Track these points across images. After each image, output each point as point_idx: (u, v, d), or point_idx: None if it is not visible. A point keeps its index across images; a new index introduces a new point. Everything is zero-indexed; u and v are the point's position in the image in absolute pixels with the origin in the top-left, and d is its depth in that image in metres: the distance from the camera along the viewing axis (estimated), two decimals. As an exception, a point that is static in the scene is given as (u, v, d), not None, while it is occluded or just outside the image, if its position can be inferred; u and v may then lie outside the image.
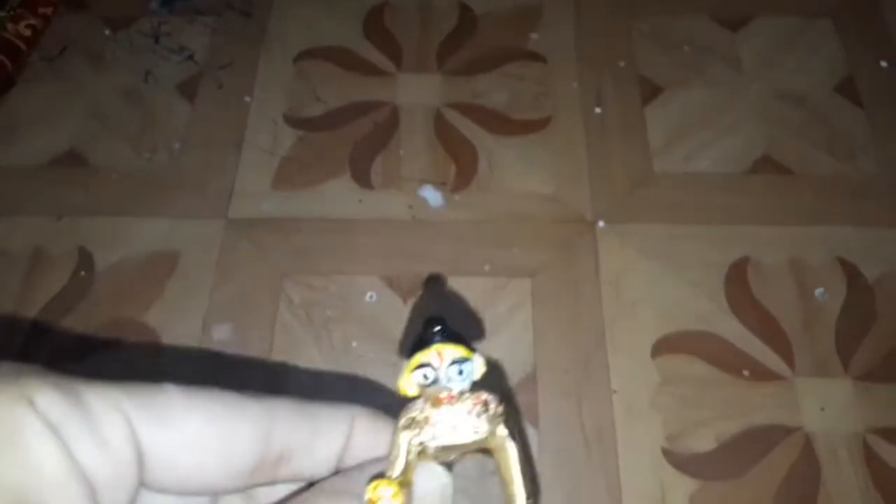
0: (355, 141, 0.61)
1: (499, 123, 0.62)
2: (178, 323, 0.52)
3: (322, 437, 0.18)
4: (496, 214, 0.57)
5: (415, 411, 0.17)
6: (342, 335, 0.51)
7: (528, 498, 0.17)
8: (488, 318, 0.52)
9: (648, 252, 0.54)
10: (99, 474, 0.14)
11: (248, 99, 0.63)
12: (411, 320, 0.52)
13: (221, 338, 0.51)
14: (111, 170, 0.60)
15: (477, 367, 0.17)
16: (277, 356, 0.50)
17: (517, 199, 0.58)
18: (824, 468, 0.46)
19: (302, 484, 0.18)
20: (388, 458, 0.17)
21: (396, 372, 0.44)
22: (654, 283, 0.53)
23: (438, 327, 0.17)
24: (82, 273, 0.55)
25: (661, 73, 0.64)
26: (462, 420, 0.17)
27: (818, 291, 0.52)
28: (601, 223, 0.55)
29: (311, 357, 0.50)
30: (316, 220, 0.57)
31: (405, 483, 0.17)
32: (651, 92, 0.63)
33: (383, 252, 0.55)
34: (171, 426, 0.15)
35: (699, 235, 0.55)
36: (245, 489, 0.17)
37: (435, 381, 0.17)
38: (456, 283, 0.54)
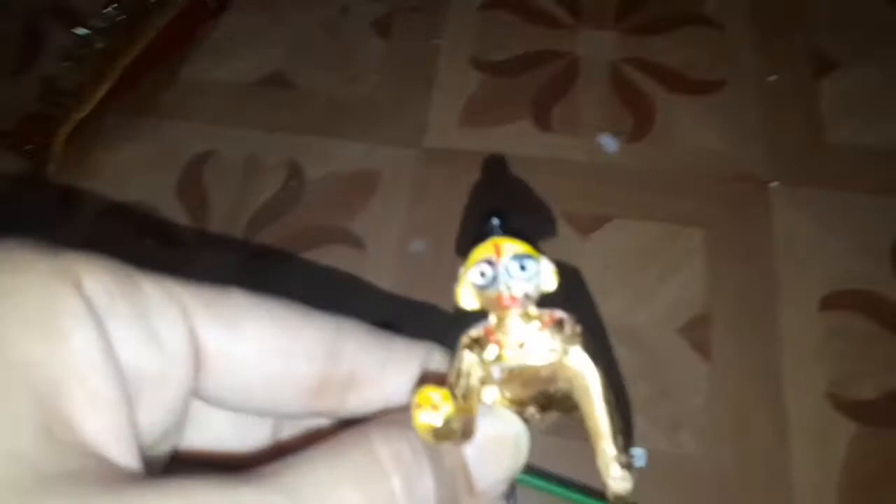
0: (536, 88, 0.65)
1: (674, 82, 0.65)
2: (380, 233, 0.58)
3: (394, 366, 0.16)
4: (670, 166, 0.60)
5: (476, 328, 0.15)
6: (526, 260, 0.56)
7: (615, 434, 0.15)
8: (660, 261, 0.56)
9: (819, 215, 0.57)
10: (143, 369, 0.13)
11: (437, 41, 0.68)
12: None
13: (418, 250, 0.57)
14: (314, 94, 0.66)
15: (545, 271, 0.15)
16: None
17: (691, 154, 0.61)
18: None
19: None
20: (447, 384, 0.14)
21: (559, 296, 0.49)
22: (824, 244, 0.55)
23: (497, 220, 0.15)
24: (293, 183, 0.61)
25: (838, 46, 0.66)
26: (531, 338, 0.15)
27: None
28: (775, 183, 0.58)
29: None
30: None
31: (465, 410, 0.14)
32: (826, 64, 0.65)
33: (562, 190, 0.60)
34: (233, 327, 0.14)
35: (869, 204, 0.58)
36: (309, 415, 0.16)
37: (494, 281, 0.15)
38: (628, 225, 0.58)
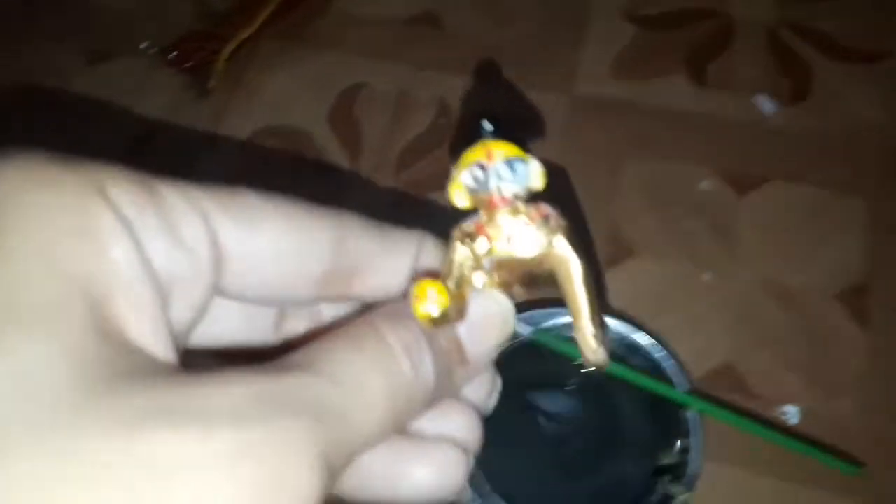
0: (691, 44, 0.64)
1: (833, 49, 0.63)
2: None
3: (392, 255, 0.17)
4: (829, 132, 0.59)
5: (468, 223, 0.16)
6: (677, 214, 0.56)
7: (592, 313, 0.16)
8: (817, 226, 0.55)
9: None
10: (172, 273, 0.14)
11: (588, -9, 0.67)
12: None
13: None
14: (464, 35, 0.66)
15: (533, 171, 0.16)
16: (615, 220, 0.56)
17: (850, 122, 0.59)
18: None
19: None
20: (440, 273, 0.16)
21: (718, 256, 0.48)
22: None
23: (489, 123, 0.15)
24: (442, 121, 0.61)
25: None
26: (519, 231, 0.16)
27: None
28: (943, 156, 0.56)
29: (646, 223, 0.55)
30: (653, 109, 0.61)
31: (457, 296, 0.16)
32: None
33: (716, 147, 0.59)
34: (250, 226, 0.15)
35: None
36: (315, 301, 0.17)
37: (485, 183, 0.15)
38: (785, 187, 0.56)
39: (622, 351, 0.41)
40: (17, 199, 0.12)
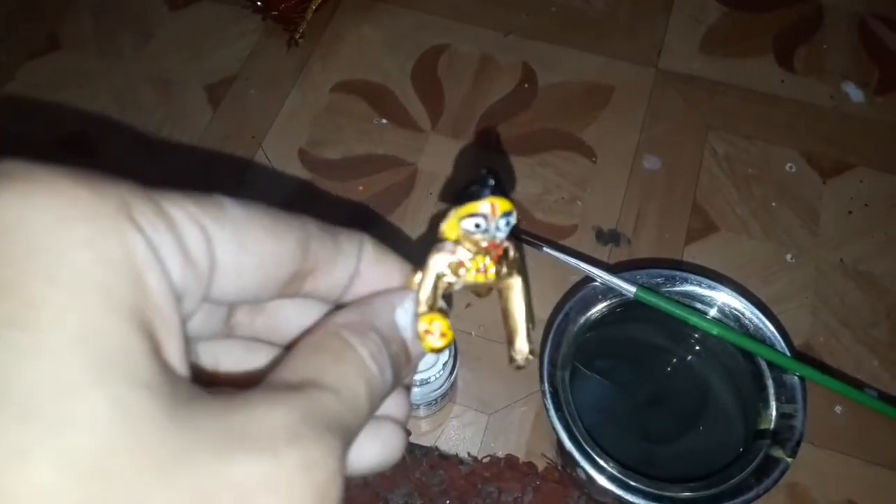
0: (779, 27, 0.64)
1: (924, 42, 0.62)
2: (612, 145, 0.58)
3: (341, 255, 0.18)
4: (918, 124, 0.58)
5: (449, 252, 0.18)
6: (762, 193, 0.55)
7: (528, 329, 0.19)
8: (901, 214, 0.54)
9: None
10: (184, 288, 0.15)
11: (676, -33, 0.67)
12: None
13: (651, 167, 0.57)
14: (550, 3, 0.65)
15: (513, 220, 0.18)
16: (700, 194, 0.55)
17: (941, 115, 0.59)
18: None
19: (309, 301, 0.19)
20: (417, 296, 0.18)
21: (802, 237, 0.48)
22: None
23: (493, 180, 0.17)
24: (526, 85, 0.61)
25: None
26: (489, 265, 0.18)
27: None
28: None
29: (731, 200, 0.55)
30: (739, 89, 0.60)
31: (440, 316, 0.18)
32: None
33: (803, 131, 0.58)
34: (238, 236, 0.16)
35: None
36: (272, 299, 0.18)
37: (484, 231, 0.18)
38: (872, 175, 0.56)
39: (729, 316, 0.41)
40: (60, 233, 0.13)
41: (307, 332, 0.18)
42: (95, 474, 0.11)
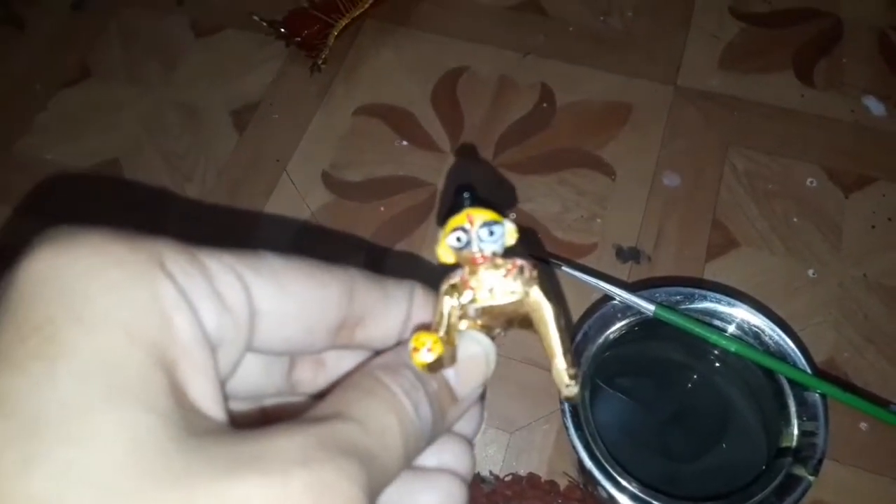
0: (799, 43, 0.64)
1: (946, 54, 0.62)
2: (631, 162, 0.58)
3: (390, 304, 0.18)
4: (941, 137, 0.58)
5: (454, 277, 0.18)
6: (783, 208, 0.55)
7: (565, 352, 0.18)
8: (926, 228, 0.54)
9: None
10: (220, 335, 0.15)
11: (694, -14, 0.67)
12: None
13: (670, 184, 0.57)
14: (568, 23, 0.66)
15: (508, 232, 0.18)
16: (720, 211, 0.55)
17: (965, 127, 0.58)
18: None
19: (367, 353, 0.20)
20: (432, 323, 0.18)
21: (824, 253, 0.48)
22: None
23: (467, 194, 0.18)
24: (544, 105, 0.62)
25: None
26: (498, 283, 0.18)
27: None
28: None
29: (752, 215, 0.55)
30: (759, 104, 0.60)
31: (448, 342, 0.18)
32: None
33: (824, 146, 0.58)
34: (278, 285, 0.16)
35: None
36: (325, 350, 0.18)
37: (468, 245, 0.17)
38: (891, 190, 0.56)
39: (748, 334, 0.41)
40: (89, 280, 0.14)
41: (346, 375, 0.18)
42: (93, 489, 0.12)
